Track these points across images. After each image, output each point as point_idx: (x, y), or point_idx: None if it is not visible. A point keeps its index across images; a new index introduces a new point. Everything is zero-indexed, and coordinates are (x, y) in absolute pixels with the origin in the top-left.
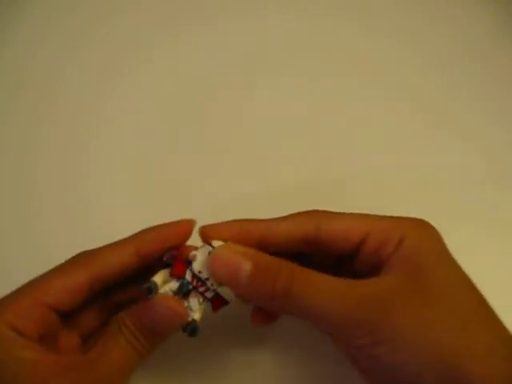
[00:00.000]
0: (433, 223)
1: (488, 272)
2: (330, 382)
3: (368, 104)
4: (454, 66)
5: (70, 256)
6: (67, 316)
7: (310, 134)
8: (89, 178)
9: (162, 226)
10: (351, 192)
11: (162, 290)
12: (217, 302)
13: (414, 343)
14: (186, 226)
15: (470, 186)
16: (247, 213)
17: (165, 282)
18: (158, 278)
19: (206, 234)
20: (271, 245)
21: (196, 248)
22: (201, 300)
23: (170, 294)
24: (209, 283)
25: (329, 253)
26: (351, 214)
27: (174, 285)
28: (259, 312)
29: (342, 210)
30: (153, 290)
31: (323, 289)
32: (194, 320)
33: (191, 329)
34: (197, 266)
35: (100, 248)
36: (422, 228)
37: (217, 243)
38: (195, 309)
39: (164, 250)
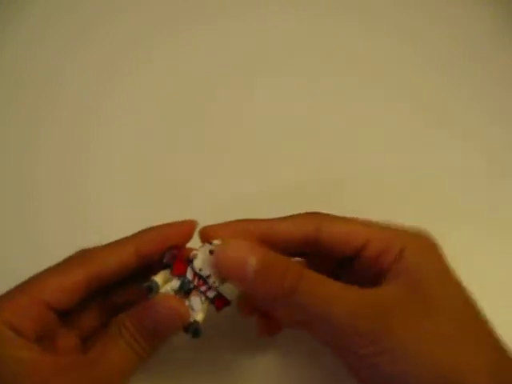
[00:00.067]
0: (433, 223)
1: (488, 272)
2: None
3: (368, 104)
4: (453, 66)
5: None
6: (65, 315)
7: (309, 133)
8: (89, 178)
9: (162, 227)
10: (351, 192)
11: (163, 290)
12: (219, 302)
13: (414, 355)
14: (187, 227)
15: (470, 186)
16: (247, 213)
17: (165, 282)
18: (159, 277)
19: (207, 235)
20: (271, 245)
21: (196, 249)
22: (203, 299)
23: (172, 293)
24: (210, 281)
25: (329, 255)
26: (353, 218)
27: (175, 283)
28: (263, 322)
29: (341, 210)
30: (153, 289)
31: (330, 292)
32: (196, 321)
33: (194, 330)
34: (198, 263)
35: (99, 247)
36: (423, 241)
37: (218, 242)
38: (197, 308)
39: (164, 250)
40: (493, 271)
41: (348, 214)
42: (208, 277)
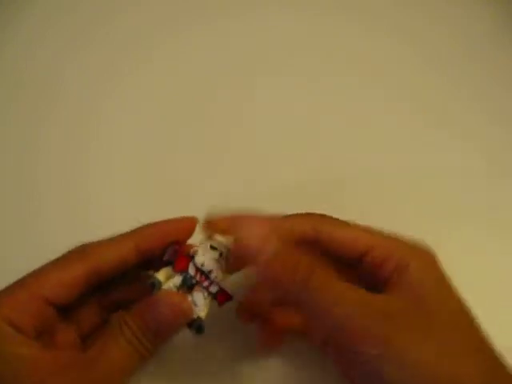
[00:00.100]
0: (433, 223)
1: (488, 272)
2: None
3: (368, 104)
4: (454, 66)
5: None
6: (64, 310)
7: (310, 133)
8: (89, 178)
9: (162, 222)
10: (351, 192)
11: (165, 286)
12: (221, 296)
13: (414, 365)
14: (188, 223)
15: (470, 186)
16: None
17: (168, 279)
18: (161, 274)
19: (211, 227)
20: None
21: (197, 245)
22: (205, 295)
23: (174, 289)
24: (212, 276)
25: (331, 256)
26: (356, 224)
27: (177, 279)
28: (263, 335)
29: (341, 210)
30: (156, 285)
31: (341, 291)
32: (199, 317)
33: (197, 326)
34: (199, 259)
35: (99, 241)
36: (426, 256)
37: (220, 238)
38: (200, 304)
39: (163, 246)
40: (493, 271)
41: (348, 214)
42: (210, 272)
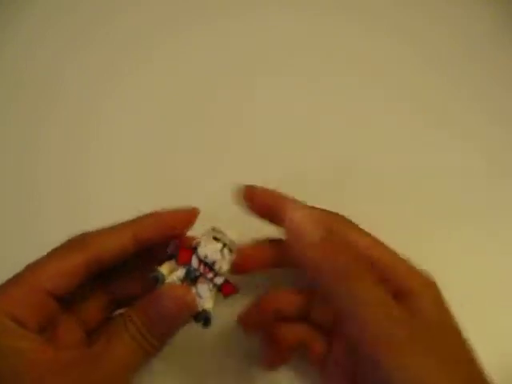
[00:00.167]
0: (433, 223)
1: (488, 272)
2: None
3: (368, 104)
4: (454, 66)
5: None
6: (67, 304)
7: (309, 133)
8: (89, 178)
9: (162, 212)
10: (351, 192)
11: (168, 280)
12: (226, 288)
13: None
14: (187, 214)
15: (470, 186)
16: (247, 212)
17: (171, 272)
18: (164, 268)
19: (252, 197)
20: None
21: (199, 237)
22: (210, 286)
23: (178, 282)
24: (216, 266)
25: None
26: (368, 233)
27: (180, 272)
28: (269, 353)
29: (341, 210)
30: (159, 279)
31: (373, 290)
32: (205, 309)
33: (204, 319)
34: (202, 250)
35: (97, 230)
36: (435, 291)
37: (222, 229)
38: (204, 296)
39: (162, 235)
40: (493, 271)
41: (348, 214)
42: (213, 263)
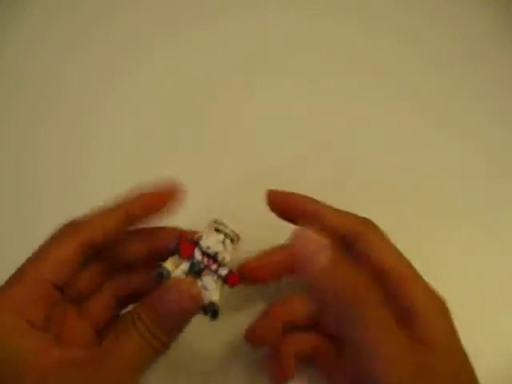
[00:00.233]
0: (433, 223)
1: (488, 272)
2: None
3: (368, 104)
4: (454, 66)
5: None
6: (75, 301)
7: (309, 133)
8: (89, 178)
9: (148, 192)
10: (351, 192)
11: (174, 274)
12: (232, 279)
13: None
14: (171, 192)
15: (470, 186)
16: (247, 212)
17: (176, 267)
18: (169, 263)
19: (275, 199)
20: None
21: (200, 231)
22: (215, 278)
23: (183, 275)
24: (220, 257)
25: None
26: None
27: (184, 266)
28: (277, 367)
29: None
30: (164, 274)
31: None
32: (212, 302)
33: (212, 311)
34: (204, 242)
35: (88, 214)
36: (440, 306)
37: (224, 221)
38: (210, 288)
39: (151, 211)
40: (493, 271)
41: None
42: (216, 254)
